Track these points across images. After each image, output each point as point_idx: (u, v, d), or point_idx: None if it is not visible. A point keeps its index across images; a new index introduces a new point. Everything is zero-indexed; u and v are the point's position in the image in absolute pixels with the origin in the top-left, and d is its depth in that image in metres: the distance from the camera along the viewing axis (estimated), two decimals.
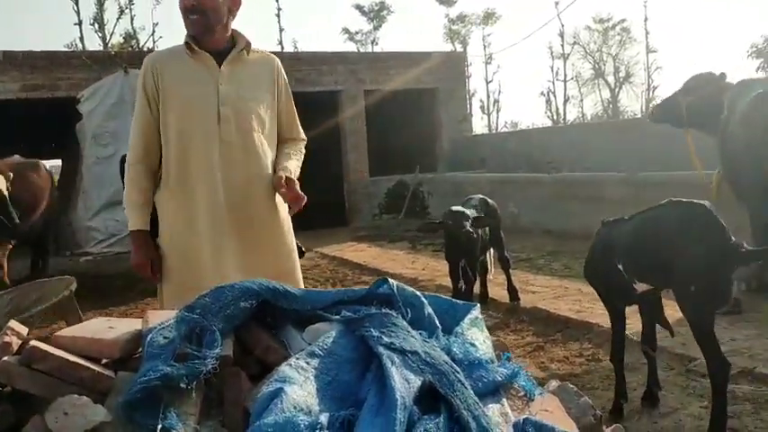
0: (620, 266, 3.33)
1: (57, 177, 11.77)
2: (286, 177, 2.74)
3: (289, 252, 2.92)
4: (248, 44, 2.81)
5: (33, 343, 1.62)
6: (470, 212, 5.31)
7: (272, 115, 2.85)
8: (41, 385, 1.57)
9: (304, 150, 3.04)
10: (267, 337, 1.84)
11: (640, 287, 3.35)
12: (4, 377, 1.56)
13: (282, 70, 2.93)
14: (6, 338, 1.65)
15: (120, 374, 1.66)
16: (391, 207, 12.88)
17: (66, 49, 19.44)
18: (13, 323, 1.74)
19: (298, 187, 2.77)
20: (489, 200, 5.97)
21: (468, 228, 4.99)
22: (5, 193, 6.20)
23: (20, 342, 1.67)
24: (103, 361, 1.73)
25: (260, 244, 2.78)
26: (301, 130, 3.04)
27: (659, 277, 3.24)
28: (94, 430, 1.47)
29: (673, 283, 3.16)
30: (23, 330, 1.73)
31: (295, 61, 12.34)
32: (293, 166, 2.86)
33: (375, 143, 12.79)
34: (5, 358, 1.59)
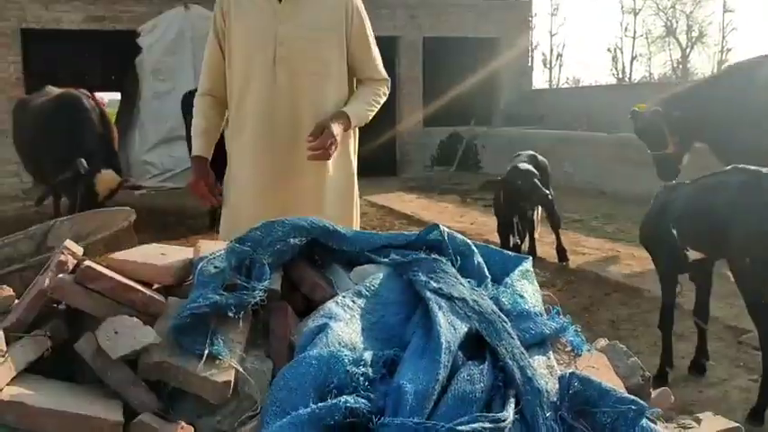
0: (674, 231, 3.23)
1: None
2: (320, 125, 2.49)
3: (335, 200, 2.69)
4: None
5: (88, 263, 1.65)
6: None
7: (340, 54, 2.63)
8: (94, 304, 1.61)
9: (384, 91, 2.75)
10: (315, 274, 1.85)
11: (693, 255, 3.25)
12: (59, 294, 1.60)
13: (356, 2, 2.68)
14: (62, 257, 1.69)
15: (170, 299, 1.69)
16: (443, 159, 12.74)
17: None
18: (69, 243, 1.77)
19: (334, 137, 2.46)
20: (539, 156, 5.83)
21: (545, 189, 4.94)
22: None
23: (75, 261, 1.71)
24: (155, 286, 1.77)
25: (302, 193, 2.64)
26: (381, 69, 2.73)
27: (714, 246, 3.13)
28: (144, 350, 1.50)
29: (728, 254, 3.06)
30: (79, 250, 1.77)
31: None
32: (353, 110, 2.61)
33: (431, 93, 12.57)
34: (61, 275, 1.63)
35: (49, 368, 1.52)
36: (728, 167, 3.17)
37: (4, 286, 1.73)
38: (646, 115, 5.62)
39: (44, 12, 10.23)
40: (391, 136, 12.88)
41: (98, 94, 7.97)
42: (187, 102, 7.41)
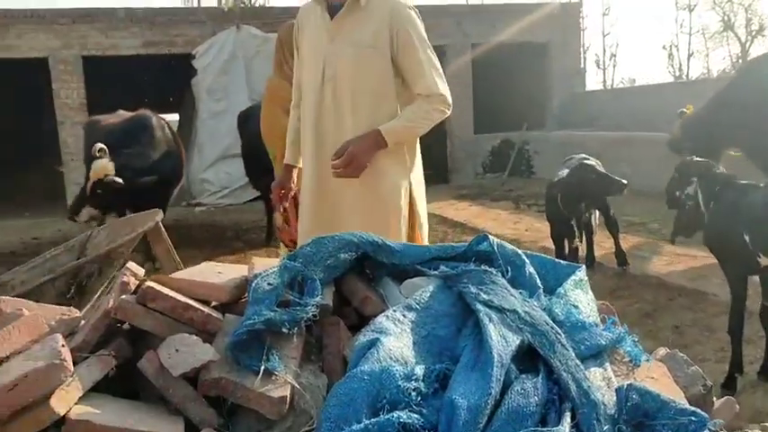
0: (746, 238, 3.11)
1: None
2: (344, 144, 2.49)
3: (381, 220, 2.60)
4: None
5: (149, 283, 1.72)
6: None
7: (385, 71, 2.58)
8: (155, 323, 1.67)
9: (435, 107, 2.61)
10: (365, 288, 1.87)
11: (765, 261, 3.13)
12: (122, 314, 1.66)
13: (404, 14, 2.57)
14: (124, 278, 1.76)
15: (227, 317, 1.74)
16: (495, 166, 12.63)
17: (183, 6, 20.16)
18: (131, 264, 1.84)
19: (354, 155, 2.46)
20: (591, 159, 5.73)
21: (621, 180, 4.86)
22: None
23: (137, 282, 1.78)
24: (212, 304, 1.82)
25: (342, 210, 2.64)
26: (431, 85, 2.57)
27: None
28: (203, 367, 1.54)
29: None
30: (140, 271, 1.84)
31: None
32: (389, 127, 2.54)
33: (481, 99, 12.50)
34: (123, 297, 1.69)
35: (113, 387, 1.59)
36: None
37: (72, 308, 1.81)
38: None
39: (104, 39, 10.66)
40: (442, 144, 12.86)
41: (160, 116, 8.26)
42: (242, 120, 7.60)
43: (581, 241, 5.46)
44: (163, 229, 2.49)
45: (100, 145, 5.93)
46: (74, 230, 9.19)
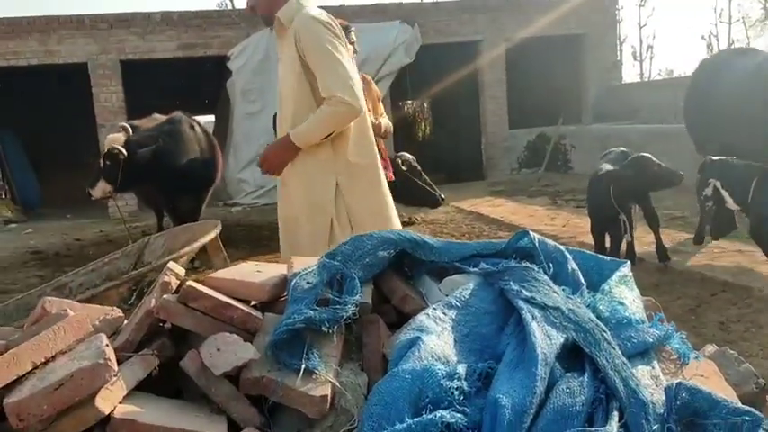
0: None
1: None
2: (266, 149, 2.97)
3: (309, 215, 2.90)
4: (281, 15, 2.82)
5: (190, 283, 1.73)
6: (612, 167, 5.07)
7: (297, 80, 2.81)
8: (196, 322, 1.68)
9: (334, 108, 2.73)
10: (404, 286, 1.85)
11: None
12: (164, 313, 1.68)
13: (303, 26, 2.75)
14: (166, 278, 1.78)
15: (267, 315, 1.74)
16: (531, 161, 12.49)
17: (218, 8, 20.40)
18: (171, 264, 1.86)
19: (264, 156, 2.92)
20: (629, 152, 5.61)
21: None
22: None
23: (178, 282, 1.79)
24: (252, 303, 1.83)
25: (290, 207, 3.01)
26: (330, 86, 2.71)
27: None
28: (244, 366, 1.55)
29: None
30: (181, 271, 1.85)
31: (434, 12, 12.14)
32: (295, 130, 2.82)
33: (516, 94, 12.37)
34: (165, 296, 1.71)
35: (156, 386, 1.60)
36: None
37: (114, 308, 1.84)
38: None
39: (141, 42, 10.85)
40: (476, 140, 12.76)
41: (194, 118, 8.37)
42: (276, 120, 7.64)
43: (631, 236, 5.36)
44: (220, 242, 2.55)
45: (124, 123, 6.15)
46: (115, 232, 9.39)
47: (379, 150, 3.50)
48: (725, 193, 3.94)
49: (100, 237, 9.39)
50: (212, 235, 2.45)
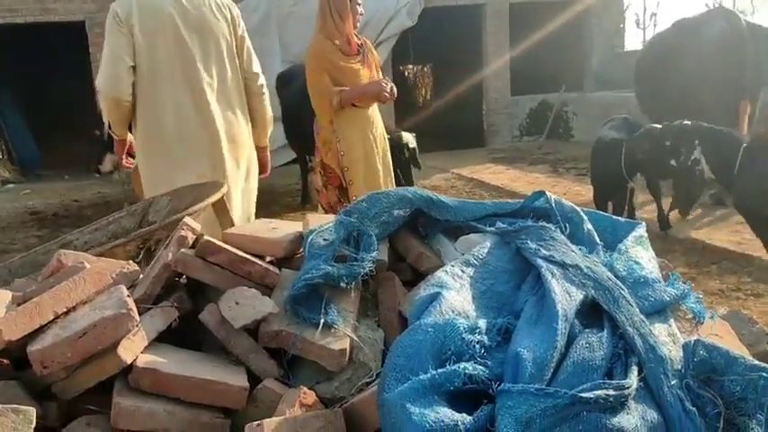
0: None
1: None
2: None
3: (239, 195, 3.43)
4: None
5: (207, 238, 1.73)
6: (617, 135, 5.05)
7: None
8: (214, 276, 1.69)
9: None
10: (420, 244, 1.86)
11: None
12: (182, 266, 1.68)
13: None
14: (182, 233, 1.78)
15: (284, 271, 1.75)
16: (533, 129, 12.43)
17: None
18: (187, 220, 1.86)
19: None
20: (631, 119, 5.59)
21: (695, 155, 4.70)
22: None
23: (194, 237, 1.80)
24: (267, 258, 1.83)
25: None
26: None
27: None
28: (263, 320, 1.56)
29: None
30: (197, 226, 1.85)
31: None
32: None
33: (518, 61, 12.26)
34: (183, 250, 1.71)
35: (176, 338, 1.62)
36: None
37: (131, 262, 1.84)
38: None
39: None
40: (477, 106, 12.68)
41: None
42: (281, 82, 7.56)
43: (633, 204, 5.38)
44: (227, 203, 2.53)
45: None
46: (114, 193, 9.35)
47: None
48: (703, 161, 3.86)
49: (98, 198, 9.36)
50: (218, 195, 2.43)
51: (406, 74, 13.15)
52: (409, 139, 5.77)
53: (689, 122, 4.28)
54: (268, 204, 8.19)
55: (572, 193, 7.67)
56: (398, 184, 5.73)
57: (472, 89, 12.64)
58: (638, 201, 5.89)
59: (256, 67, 3.36)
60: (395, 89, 3.58)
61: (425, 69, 13.57)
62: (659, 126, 4.83)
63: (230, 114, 3.18)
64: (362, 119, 3.56)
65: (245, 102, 3.29)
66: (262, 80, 3.37)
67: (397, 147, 5.21)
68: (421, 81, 13.66)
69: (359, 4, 3.54)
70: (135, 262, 2.44)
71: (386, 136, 3.78)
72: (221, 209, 2.69)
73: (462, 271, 1.62)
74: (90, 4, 10.56)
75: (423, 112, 13.28)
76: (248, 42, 3.36)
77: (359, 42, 3.59)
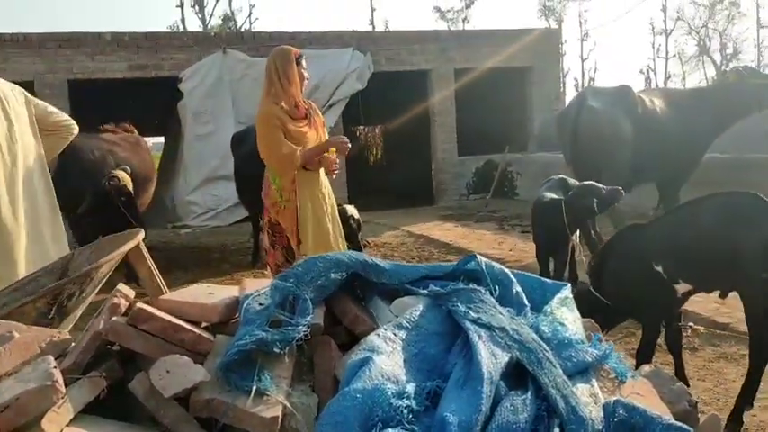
0: (658, 269, 3.20)
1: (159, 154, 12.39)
2: None
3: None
4: None
5: (140, 305, 1.72)
6: (554, 195, 5.23)
7: None
8: (146, 344, 1.67)
9: None
10: (356, 307, 1.88)
11: (683, 288, 3.23)
12: (113, 335, 1.67)
13: None
14: (115, 300, 1.77)
15: (218, 337, 1.75)
16: (479, 187, 12.72)
17: (169, 31, 20.21)
18: (121, 286, 1.85)
19: None
20: (569, 179, 5.81)
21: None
22: (130, 188, 5.97)
23: (127, 304, 1.79)
24: (203, 324, 1.83)
25: None
26: None
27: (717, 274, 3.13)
28: (194, 389, 1.55)
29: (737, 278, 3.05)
30: (131, 293, 1.84)
31: (385, 40, 12.34)
32: None
33: (464, 123, 12.62)
34: (114, 318, 1.70)
35: (104, 408, 1.59)
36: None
37: (63, 330, 1.81)
38: None
39: (90, 63, 10.65)
40: (427, 166, 12.94)
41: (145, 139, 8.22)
42: (236, 142, 7.66)
43: (574, 260, 5.52)
44: (145, 250, 2.47)
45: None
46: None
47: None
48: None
49: None
50: (135, 242, 2.38)
51: (358, 134, 13.38)
52: (353, 211, 5.96)
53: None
54: (219, 263, 8.12)
55: (517, 249, 7.83)
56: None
57: (421, 149, 12.93)
58: (579, 258, 6.05)
59: (51, 108, 3.50)
60: (347, 143, 3.69)
61: (376, 131, 13.85)
62: (592, 183, 5.05)
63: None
64: (312, 179, 3.62)
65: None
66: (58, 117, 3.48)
67: (342, 219, 5.35)
68: (372, 142, 13.91)
69: (305, 69, 3.64)
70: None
71: (332, 197, 3.83)
72: (138, 257, 2.63)
73: (395, 334, 1.64)
74: (39, 64, 10.50)
75: (374, 172, 13.47)
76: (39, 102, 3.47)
77: (306, 106, 3.68)
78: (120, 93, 11.93)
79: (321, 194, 3.65)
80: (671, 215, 3.34)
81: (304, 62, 3.63)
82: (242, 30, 18.82)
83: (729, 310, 3.85)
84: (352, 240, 5.55)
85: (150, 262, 2.48)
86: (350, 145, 3.67)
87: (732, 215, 3.02)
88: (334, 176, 3.76)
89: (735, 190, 3.22)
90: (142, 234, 2.51)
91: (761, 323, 3.00)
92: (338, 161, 3.68)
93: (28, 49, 10.51)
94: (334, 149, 3.64)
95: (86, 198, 5.94)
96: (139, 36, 11.20)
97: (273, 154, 3.54)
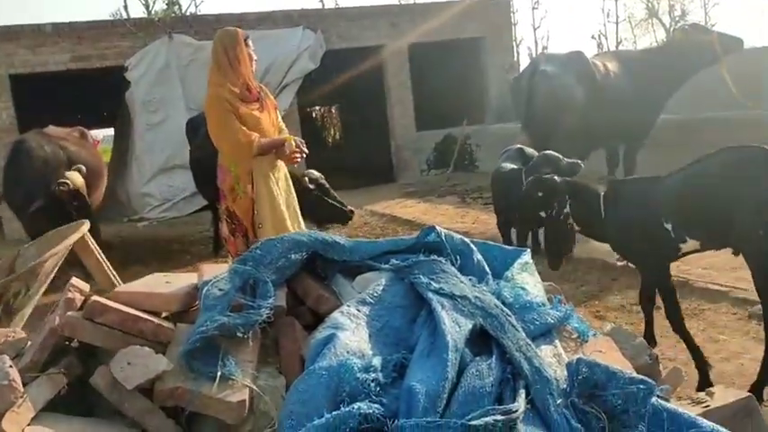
0: (667, 227, 3.13)
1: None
2: None
3: None
4: None
5: (95, 298, 1.69)
6: (513, 165, 5.27)
7: None
8: (105, 338, 1.64)
9: None
10: (318, 287, 1.88)
11: (688, 247, 3.18)
12: (70, 330, 1.63)
13: None
14: (69, 295, 1.72)
15: (179, 326, 1.72)
16: (440, 162, 12.74)
17: (112, 18, 19.64)
18: (74, 280, 1.81)
19: None
20: (526, 148, 5.86)
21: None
22: (84, 191, 5.88)
23: (82, 298, 1.74)
24: (163, 314, 1.80)
25: None
26: None
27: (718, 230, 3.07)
28: (158, 378, 1.52)
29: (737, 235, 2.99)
30: (85, 287, 1.80)
31: (336, 17, 12.20)
32: None
33: (421, 97, 12.60)
34: (70, 313, 1.66)
35: (67, 405, 1.55)
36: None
37: (17, 329, 1.76)
38: None
39: (31, 56, 10.29)
40: (385, 144, 12.91)
41: (93, 132, 7.98)
42: (191, 128, 7.46)
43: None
44: (92, 241, 2.40)
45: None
46: (3, 252, 8.86)
47: None
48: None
49: None
50: (79, 234, 2.32)
51: (314, 115, 13.26)
52: (317, 174, 5.88)
53: (557, 177, 4.35)
54: (179, 254, 7.99)
55: (480, 221, 7.90)
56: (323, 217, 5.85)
57: (379, 127, 12.88)
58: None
59: None
60: (303, 145, 3.56)
61: (332, 110, 13.74)
62: (552, 152, 5.04)
63: None
64: (265, 163, 3.55)
65: None
66: None
67: (311, 183, 5.36)
68: (329, 122, 13.82)
69: (252, 50, 3.55)
70: None
71: (288, 177, 3.77)
72: (84, 249, 2.57)
73: (358, 310, 1.64)
74: None
75: (332, 152, 13.40)
76: None
77: (257, 88, 3.60)
78: (64, 85, 11.60)
79: (274, 177, 3.58)
80: (683, 171, 3.17)
81: (251, 43, 3.55)
82: (187, 14, 18.38)
83: (687, 266, 3.91)
84: (320, 204, 5.50)
85: (98, 252, 2.43)
86: (299, 160, 3.55)
87: (736, 170, 2.94)
88: (296, 165, 3.66)
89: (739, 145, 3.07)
90: (87, 225, 2.44)
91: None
92: (303, 145, 3.57)
93: None
94: (292, 139, 3.55)
95: (38, 197, 5.76)
96: (81, 26, 10.85)
97: (228, 141, 3.41)
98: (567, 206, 3.53)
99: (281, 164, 3.67)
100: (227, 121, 3.37)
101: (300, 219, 3.82)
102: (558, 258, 3.80)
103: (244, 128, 3.35)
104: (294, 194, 3.80)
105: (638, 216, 3.24)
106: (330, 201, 6.01)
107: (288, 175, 3.77)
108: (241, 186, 3.47)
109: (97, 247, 2.29)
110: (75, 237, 2.25)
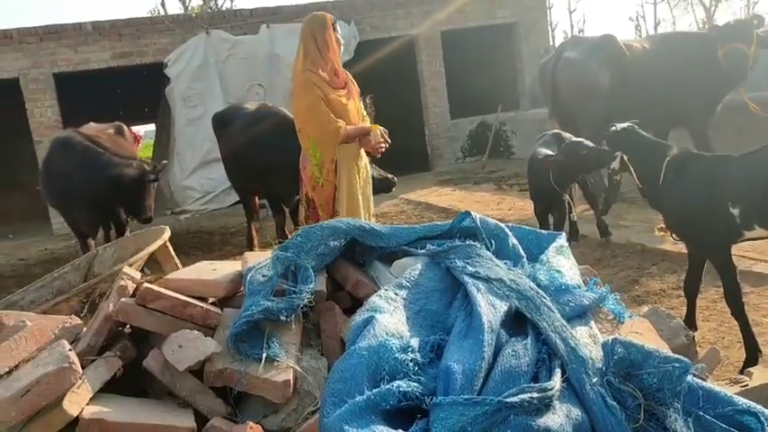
0: (733, 212, 2.92)
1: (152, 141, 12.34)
2: None
3: None
4: None
5: (147, 285, 1.77)
6: (549, 150, 5.24)
7: None
8: (156, 322, 1.73)
9: None
10: (357, 272, 1.93)
11: (756, 233, 3.00)
12: (123, 316, 1.72)
13: None
14: (122, 282, 1.81)
15: (225, 311, 1.80)
16: (474, 149, 12.70)
17: (150, 15, 19.98)
18: (126, 269, 1.90)
19: None
20: (564, 133, 5.81)
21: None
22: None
23: (134, 285, 1.83)
24: (210, 300, 1.88)
25: None
26: None
27: None
28: (207, 360, 1.60)
29: None
30: (137, 275, 1.89)
31: (368, 7, 12.22)
32: None
33: (455, 85, 12.55)
34: (123, 300, 1.74)
35: (122, 387, 1.64)
36: None
37: (73, 316, 1.86)
38: None
39: (74, 54, 10.57)
40: (420, 132, 12.90)
41: (135, 127, 8.17)
42: (218, 122, 7.53)
43: (574, 215, 5.55)
44: (170, 248, 2.54)
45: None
46: (60, 249, 9.17)
47: None
48: (632, 169, 3.70)
49: (45, 254, 9.15)
50: (161, 241, 2.45)
51: None
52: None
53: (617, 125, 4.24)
54: (221, 245, 8.16)
55: (517, 208, 7.87)
56: None
57: (413, 116, 12.88)
58: (574, 218, 6.06)
59: None
60: (386, 134, 3.57)
61: (367, 101, 13.80)
62: (578, 141, 4.98)
63: None
64: (351, 152, 3.52)
65: None
66: None
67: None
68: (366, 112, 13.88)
69: (339, 34, 3.53)
70: (80, 316, 2.45)
71: (368, 166, 3.74)
72: (164, 254, 2.72)
73: (396, 294, 1.69)
74: (23, 60, 10.43)
75: None
76: None
77: (344, 74, 3.56)
78: (106, 82, 11.88)
79: (356, 166, 3.53)
80: (754, 154, 2.97)
81: (339, 27, 3.52)
82: (224, 9, 18.58)
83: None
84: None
85: (176, 260, 2.56)
86: (383, 150, 3.52)
87: None
88: (378, 156, 3.60)
89: None
90: (168, 232, 2.56)
91: None
92: (387, 138, 3.51)
93: (8, 45, 10.44)
94: (377, 128, 3.52)
95: (76, 192, 5.90)
96: (120, 23, 11.09)
97: (317, 128, 3.38)
98: (617, 162, 3.36)
99: (363, 153, 3.63)
100: (320, 108, 3.32)
101: (372, 206, 3.81)
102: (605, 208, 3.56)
103: (331, 114, 3.32)
104: (371, 183, 3.78)
105: (699, 194, 3.04)
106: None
107: (368, 165, 3.74)
108: (324, 174, 3.42)
109: (174, 255, 2.42)
110: (158, 243, 2.38)
